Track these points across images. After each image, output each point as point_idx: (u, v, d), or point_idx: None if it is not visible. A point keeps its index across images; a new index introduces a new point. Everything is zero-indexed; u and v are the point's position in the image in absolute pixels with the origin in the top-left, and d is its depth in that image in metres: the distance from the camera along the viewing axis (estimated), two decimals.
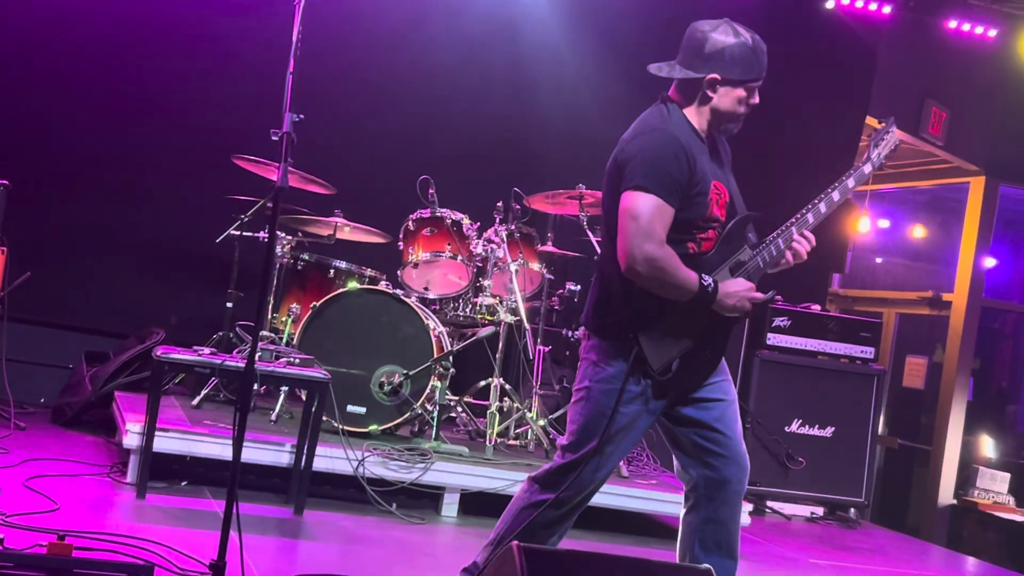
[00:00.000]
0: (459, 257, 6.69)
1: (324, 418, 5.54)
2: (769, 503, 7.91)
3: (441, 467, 5.79)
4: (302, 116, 3.70)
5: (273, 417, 6.14)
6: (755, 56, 3.67)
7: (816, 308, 8.36)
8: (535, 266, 6.93)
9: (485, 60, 8.20)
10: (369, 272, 6.72)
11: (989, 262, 10.26)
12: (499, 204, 6.85)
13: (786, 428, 7.88)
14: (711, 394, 3.76)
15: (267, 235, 3.64)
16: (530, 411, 6.59)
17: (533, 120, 8.30)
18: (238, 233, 6.73)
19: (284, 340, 6.39)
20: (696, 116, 3.72)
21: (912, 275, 11.43)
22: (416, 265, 6.74)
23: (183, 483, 5.54)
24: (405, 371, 6.08)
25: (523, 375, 6.92)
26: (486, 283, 6.66)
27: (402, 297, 6.24)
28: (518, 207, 6.93)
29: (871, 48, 9.25)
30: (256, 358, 3.76)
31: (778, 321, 8.07)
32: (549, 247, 7.05)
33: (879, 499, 9.98)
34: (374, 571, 4.40)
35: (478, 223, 6.87)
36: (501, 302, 6.60)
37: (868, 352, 8.23)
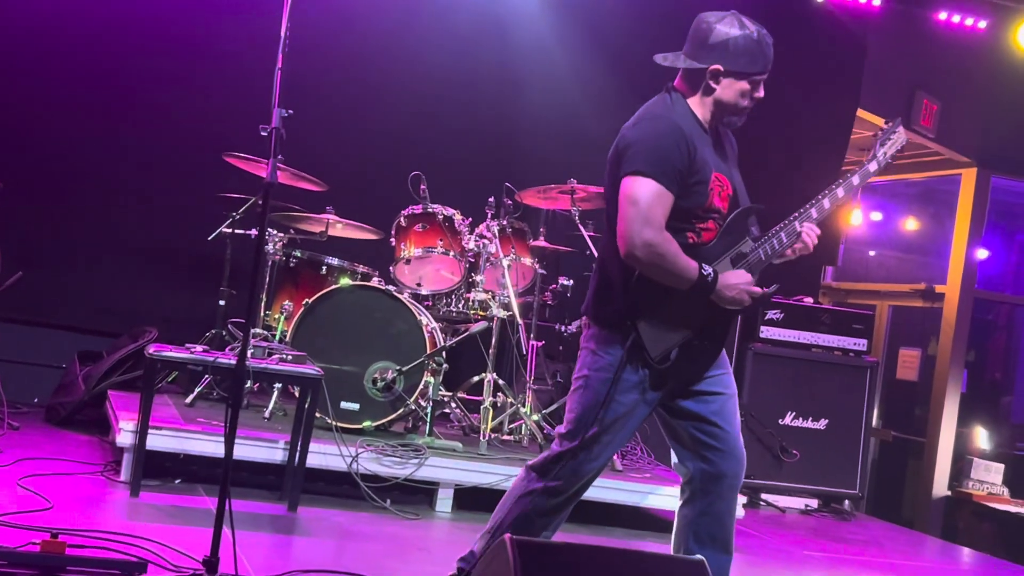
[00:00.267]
0: (451, 253, 6.69)
1: (317, 415, 5.55)
2: (763, 496, 7.93)
3: (435, 463, 5.79)
4: (291, 112, 3.70)
5: (267, 414, 6.14)
6: (760, 49, 3.67)
7: (809, 301, 8.37)
8: (527, 261, 6.94)
9: (476, 56, 8.20)
10: (361, 268, 6.73)
11: (981, 253, 10.27)
12: (491, 199, 6.85)
13: (780, 421, 7.89)
14: (711, 387, 3.76)
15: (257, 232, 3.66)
16: (524, 406, 6.59)
17: (524, 115, 8.31)
18: (230, 231, 6.74)
19: (277, 337, 6.39)
20: (700, 107, 3.72)
21: (905, 267, 11.44)
22: (408, 261, 6.75)
23: (177, 481, 5.54)
24: (398, 367, 6.09)
25: (516, 370, 6.93)
26: (478, 278, 6.66)
27: (395, 293, 6.25)
28: (510, 202, 6.93)
29: (861, 40, 9.25)
30: (248, 355, 3.77)
31: (771, 314, 8.08)
32: (541, 242, 7.05)
33: (873, 491, 9.99)
34: (369, 566, 4.40)
35: (470, 218, 6.87)
36: (494, 297, 6.60)
37: (861, 344, 8.25)
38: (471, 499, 5.83)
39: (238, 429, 3.66)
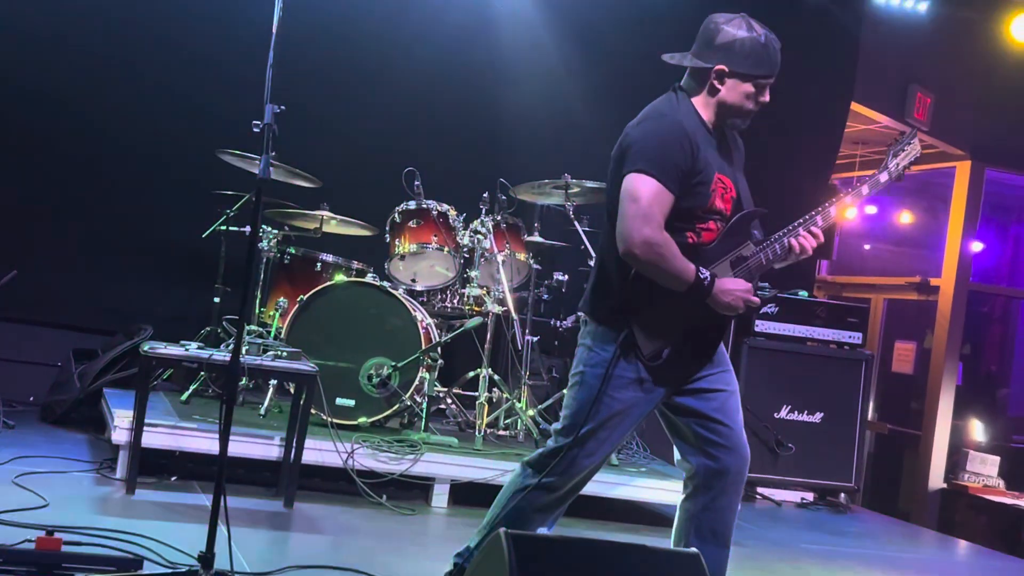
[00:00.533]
0: (446, 248, 6.69)
1: (313, 411, 5.55)
2: (759, 489, 7.94)
3: (430, 458, 5.80)
4: (283, 107, 3.70)
5: (262, 411, 6.14)
6: (766, 52, 3.67)
7: (804, 295, 8.38)
8: (522, 256, 6.94)
9: (469, 51, 8.18)
10: (356, 265, 6.72)
11: (976, 246, 10.29)
12: (485, 195, 6.84)
13: (775, 414, 7.90)
14: (712, 384, 3.76)
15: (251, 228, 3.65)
16: (519, 401, 6.60)
17: (518, 111, 8.29)
18: (224, 228, 6.74)
19: (272, 334, 6.39)
20: (704, 107, 3.72)
21: (900, 260, 11.45)
22: (403, 257, 6.75)
23: (173, 478, 5.54)
24: (393, 363, 6.09)
25: (511, 365, 6.92)
26: (473, 274, 6.67)
27: (389, 289, 6.25)
28: (504, 197, 6.93)
29: (855, 34, 9.25)
30: (243, 351, 3.77)
31: (766, 308, 8.09)
32: (536, 237, 7.05)
33: (869, 484, 10.01)
34: (365, 562, 4.40)
35: (464, 214, 6.87)
36: (488, 293, 6.60)
37: (856, 338, 8.25)
38: (467, 495, 5.83)
39: (234, 426, 3.65)
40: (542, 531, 3.80)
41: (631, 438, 6.97)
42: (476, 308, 6.66)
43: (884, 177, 3.93)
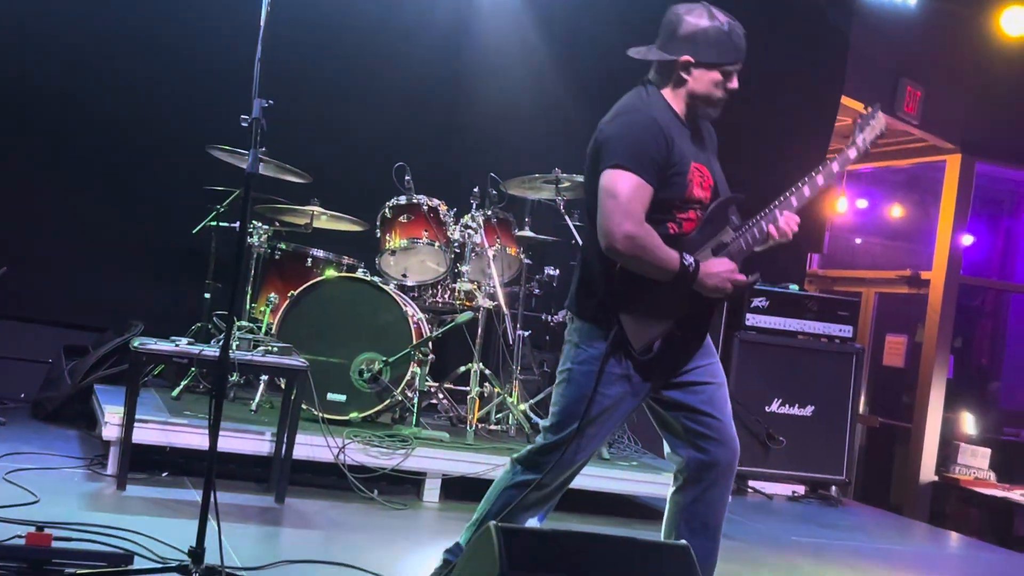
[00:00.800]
0: (436, 243, 6.68)
1: (304, 406, 5.55)
2: (750, 483, 7.96)
3: (422, 453, 5.80)
4: (271, 102, 3.69)
5: (253, 407, 6.14)
6: (730, 40, 3.67)
7: (795, 288, 8.39)
8: (513, 251, 6.94)
9: (459, 46, 8.19)
10: (347, 260, 6.72)
11: (967, 240, 10.31)
12: (475, 190, 6.84)
13: (766, 408, 7.92)
14: (699, 378, 3.75)
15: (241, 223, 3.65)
16: (510, 396, 6.60)
17: (509, 105, 8.29)
18: (215, 224, 6.73)
19: (263, 330, 6.38)
20: (674, 99, 3.72)
21: (890, 254, 11.47)
22: (394, 252, 6.74)
23: (164, 474, 5.54)
24: (384, 358, 6.09)
25: (503, 360, 6.93)
26: (464, 269, 6.67)
27: (380, 284, 6.25)
28: (495, 192, 6.93)
29: (845, 28, 9.25)
30: (234, 347, 3.77)
31: (757, 302, 8.10)
32: (527, 232, 7.05)
33: (861, 477, 10.03)
34: (357, 556, 4.41)
35: (455, 209, 6.87)
36: (479, 287, 6.60)
37: (847, 331, 8.27)
38: (458, 489, 5.83)
39: (225, 422, 3.66)
40: (532, 523, 3.80)
41: (622, 432, 6.99)
42: (467, 303, 6.66)
43: (852, 153, 3.92)
